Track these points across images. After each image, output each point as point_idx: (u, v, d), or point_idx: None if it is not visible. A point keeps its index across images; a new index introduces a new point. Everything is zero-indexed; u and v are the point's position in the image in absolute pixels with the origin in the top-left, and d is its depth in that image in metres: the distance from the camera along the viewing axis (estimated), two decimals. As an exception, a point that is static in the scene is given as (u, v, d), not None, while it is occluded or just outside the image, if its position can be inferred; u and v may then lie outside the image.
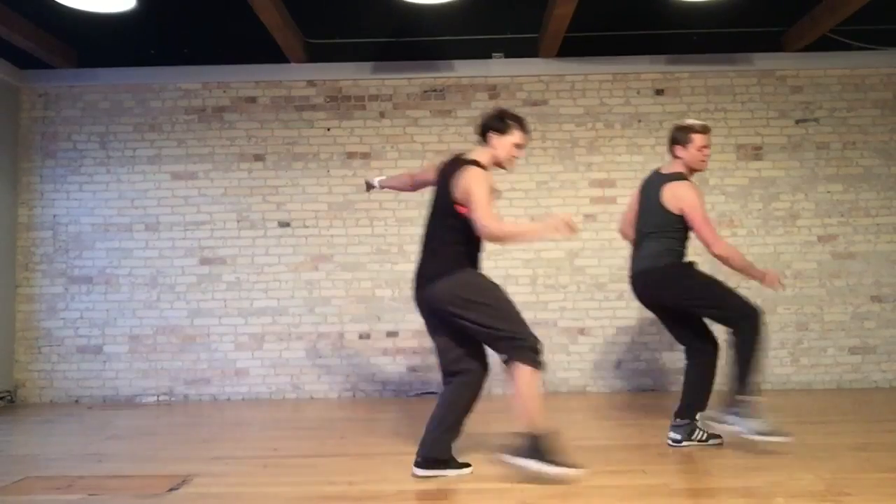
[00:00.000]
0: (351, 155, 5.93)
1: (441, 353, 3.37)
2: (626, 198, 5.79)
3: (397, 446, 3.87)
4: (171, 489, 3.06)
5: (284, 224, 5.89)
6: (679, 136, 3.74)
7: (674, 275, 3.71)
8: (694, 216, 3.59)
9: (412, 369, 5.78)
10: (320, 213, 5.88)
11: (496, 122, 3.32)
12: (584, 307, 5.82)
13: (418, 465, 3.22)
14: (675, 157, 3.76)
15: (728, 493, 2.85)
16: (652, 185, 3.79)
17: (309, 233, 5.88)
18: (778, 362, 5.73)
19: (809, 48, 5.75)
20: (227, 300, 5.84)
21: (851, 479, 3.01)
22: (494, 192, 3.25)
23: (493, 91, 5.96)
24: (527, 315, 5.75)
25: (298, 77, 5.94)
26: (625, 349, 5.80)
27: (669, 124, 5.86)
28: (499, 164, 3.37)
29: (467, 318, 3.20)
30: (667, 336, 5.68)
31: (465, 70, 5.93)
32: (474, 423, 4.42)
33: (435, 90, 5.97)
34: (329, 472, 3.34)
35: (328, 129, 5.94)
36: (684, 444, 3.68)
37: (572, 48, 5.73)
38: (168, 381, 5.80)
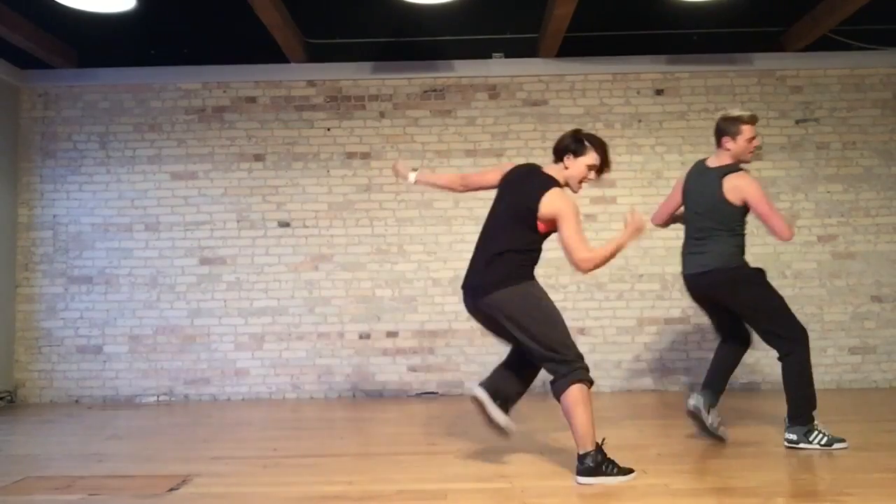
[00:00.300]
0: (351, 155, 5.93)
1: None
2: (626, 198, 5.83)
3: (397, 446, 3.87)
4: (171, 489, 3.06)
5: (284, 224, 5.89)
6: (728, 128, 3.69)
7: (744, 279, 3.67)
8: (760, 206, 3.58)
9: (412, 369, 5.78)
10: (320, 213, 5.88)
11: (573, 143, 3.27)
12: (584, 307, 5.82)
13: None
14: (724, 149, 3.71)
15: (728, 493, 2.85)
16: (705, 179, 3.74)
17: (309, 233, 5.88)
18: (778, 362, 5.72)
19: (809, 48, 5.75)
20: (227, 300, 5.84)
21: (851, 479, 3.01)
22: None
23: (493, 91, 5.96)
24: (527, 315, 5.76)
25: (298, 77, 5.94)
26: (625, 349, 5.80)
27: (669, 124, 5.93)
28: (567, 184, 3.29)
29: (522, 329, 3.14)
30: (667, 336, 5.74)
31: (465, 70, 5.93)
32: (472, 424, 4.43)
33: (435, 90, 5.97)
34: (329, 472, 3.34)
35: (328, 129, 5.94)
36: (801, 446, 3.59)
37: (572, 48, 5.72)
38: (168, 381, 5.80)
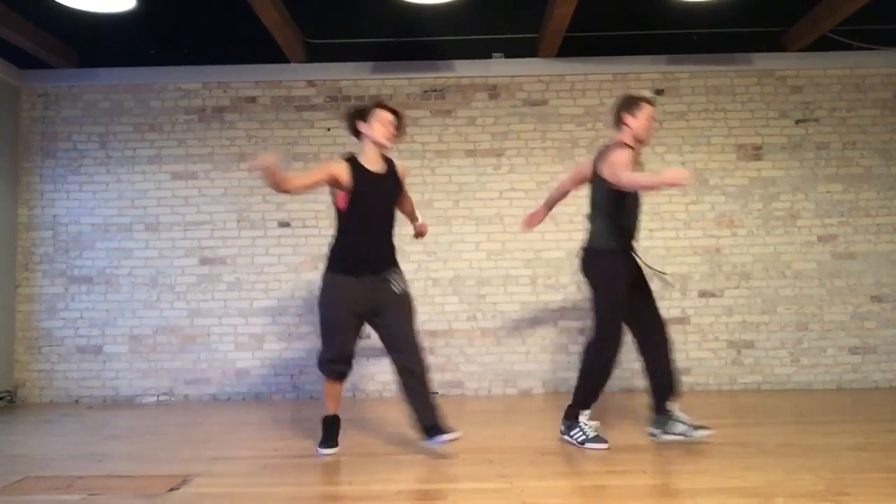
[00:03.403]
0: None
1: None
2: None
3: (397, 446, 3.87)
4: (171, 489, 3.06)
5: (284, 224, 5.89)
6: (627, 105, 3.69)
7: (594, 260, 3.74)
8: (610, 175, 3.50)
9: (412, 369, 5.77)
10: (320, 213, 5.88)
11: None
12: (584, 307, 5.81)
13: None
14: (624, 125, 3.69)
15: (728, 493, 2.85)
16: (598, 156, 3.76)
17: (309, 233, 5.88)
18: (778, 362, 5.74)
19: (809, 48, 5.76)
20: (227, 300, 5.84)
21: (851, 479, 3.01)
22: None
23: (493, 91, 5.96)
24: (526, 315, 5.78)
25: (298, 77, 5.94)
26: (624, 349, 5.77)
27: (669, 124, 5.94)
28: (378, 146, 3.65)
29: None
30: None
31: (465, 70, 5.93)
32: (472, 424, 4.42)
33: (435, 90, 5.97)
34: (329, 472, 3.34)
35: (328, 129, 5.94)
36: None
37: (572, 48, 5.73)
38: (168, 381, 5.80)
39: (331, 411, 3.79)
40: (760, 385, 5.70)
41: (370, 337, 5.80)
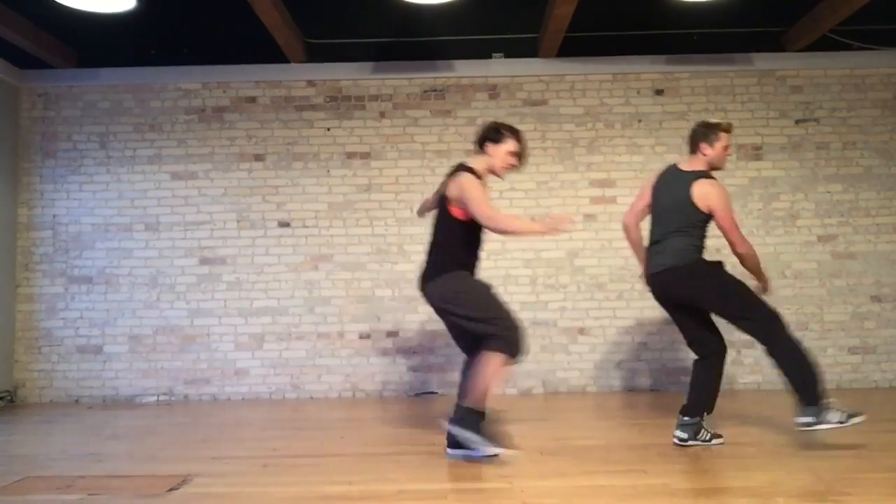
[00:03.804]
0: (351, 155, 5.93)
1: None
2: (626, 198, 5.82)
3: (397, 446, 3.87)
4: (171, 489, 3.06)
5: (284, 224, 5.89)
6: (706, 134, 3.72)
7: (700, 272, 3.69)
8: (725, 219, 3.63)
9: (412, 369, 5.78)
10: (320, 213, 5.89)
11: (492, 133, 3.61)
12: (584, 307, 5.82)
13: None
14: (700, 154, 3.74)
15: (728, 493, 2.85)
16: (676, 181, 3.75)
17: (309, 233, 5.88)
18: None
19: (809, 48, 5.75)
20: (227, 300, 5.84)
21: (851, 479, 3.01)
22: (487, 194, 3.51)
23: (493, 91, 5.96)
24: (527, 315, 5.78)
25: (298, 77, 5.94)
26: (625, 349, 5.80)
27: (669, 124, 5.94)
28: (493, 172, 3.63)
29: (458, 313, 3.51)
30: (667, 336, 5.73)
31: (465, 70, 5.93)
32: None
33: (435, 90, 5.97)
34: (329, 472, 3.34)
35: (328, 129, 5.94)
36: (689, 443, 3.68)
37: (572, 48, 5.73)
38: (168, 381, 5.80)
39: (486, 402, 3.43)
40: (760, 385, 5.70)
41: (369, 337, 5.82)
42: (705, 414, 3.74)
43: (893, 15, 5.49)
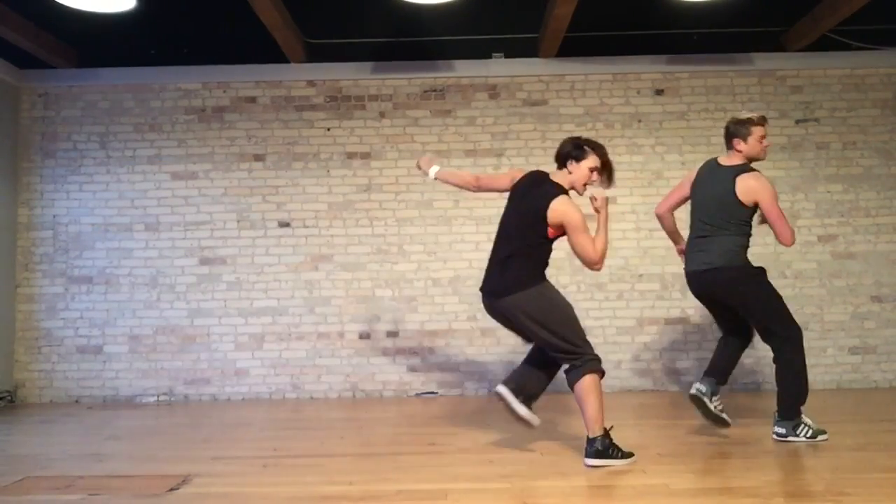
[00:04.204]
0: (351, 155, 5.93)
1: None
2: (626, 198, 5.83)
3: (397, 446, 3.87)
4: (171, 489, 3.06)
5: (284, 224, 5.89)
6: (738, 130, 3.79)
7: (745, 278, 3.75)
8: (772, 210, 3.68)
9: (412, 369, 5.78)
10: (320, 213, 5.88)
11: (574, 150, 3.51)
12: (584, 307, 5.80)
13: None
14: (735, 150, 3.80)
15: (728, 493, 2.85)
16: (717, 176, 3.80)
17: (309, 233, 5.88)
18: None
19: (809, 48, 5.75)
20: (227, 300, 5.84)
21: (851, 479, 3.01)
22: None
23: (493, 91, 5.95)
24: (527, 315, 5.74)
25: (298, 77, 5.94)
26: (625, 349, 5.80)
27: (669, 124, 5.94)
28: (574, 188, 3.53)
29: (541, 327, 3.43)
30: (667, 336, 5.74)
31: (465, 70, 5.93)
32: (472, 424, 4.43)
33: (435, 90, 5.97)
34: (329, 472, 3.34)
35: (328, 129, 5.94)
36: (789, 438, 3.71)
37: (572, 48, 5.72)
38: (168, 381, 5.80)
39: (603, 421, 3.38)
40: (760, 385, 5.70)
41: (369, 337, 5.82)
42: (719, 388, 3.86)
43: (893, 15, 5.49)
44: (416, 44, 5.88)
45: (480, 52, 5.92)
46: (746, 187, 3.68)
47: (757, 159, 3.80)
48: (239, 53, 5.88)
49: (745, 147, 3.76)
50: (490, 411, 4.98)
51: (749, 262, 3.78)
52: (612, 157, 5.99)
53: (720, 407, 3.82)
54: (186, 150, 5.95)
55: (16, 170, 5.93)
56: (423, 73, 5.93)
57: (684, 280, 5.78)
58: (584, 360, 3.37)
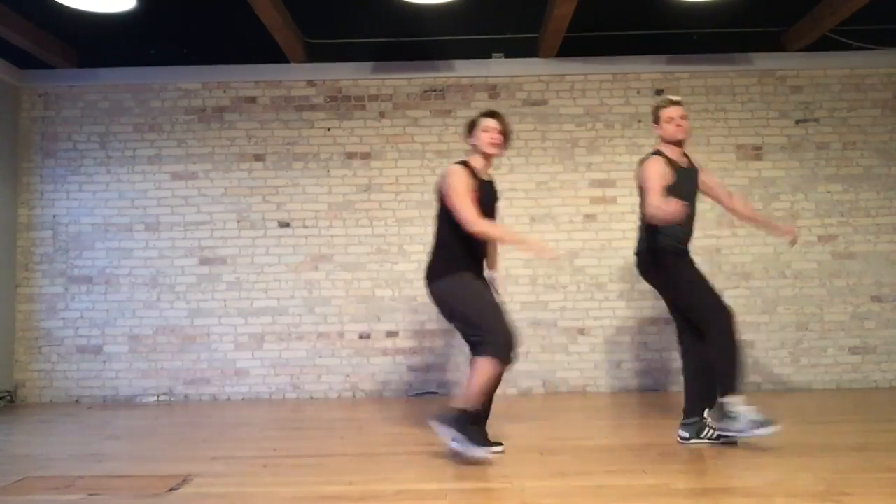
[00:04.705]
0: (351, 155, 5.93)
1: None
2: (626, 198, 5.83)
3: (397, 446, 3.87)
4: (171, 489, 3.06)
5: (284, 224, 5.89)
6: (652, 115, 3.91)
7: (654, 261, 3.79)
8: (646, 191, 3.67)
9: (412, 369, 5.78)
10: (320, 213, 5.89)
11: (467, 128, 3.72)
12: (584, 307, 5.82)
13: None
14: (658, 135, 3.89)
15: (728, 493, 2.85)
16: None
17: (309, 233, 5.88)
18: (778, 362, 5.74)
19: (809, 48, 5.76)
20: (227, 300, 5.84)
21: (851, 479, 3.01)
22: (476, 191, 3.52)
23: (493, 91, 5.96)
24: (527, 315, 5.78)
25: (298, 77, 5.94)
26: (625, 349, 5.80)
27: (669, 124, 5.91)
28: (485, 155, 3.65)
29: (454, 316, 3.59)
30: (667, 336, 5.74)
31: (465, 70, 5.93)
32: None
33: (435, 90, 5.97)
34: (329, 472, 3.34)
35: (328, 129, 5.94)
36: (693, 441, 3.69)
37: (572, 48, 5.73)
38: (168, 381, 5.80)
39: (479, 404, 3.45)
40: (760, 385, 5.70)
41: (369, 337, 5.82)
42: (706, 412, 3.73)
43: (893, 15, 5.49)
44: (416, 44, 5.88)
45: (480, 52, 5.92)
46: (637, 173, 3.79)
47: (675, 140, 3.80)
48: (239, 53, 5.88)
49: (661, 131, 3.83)
50: (490, 411, 4.97)
51: (667, 246, 3.71)
52: (613, 157, 6.06)
53: (713, 434, 3.69)
54: (186, 150, 5.95)
55: (16, 170, 5.93)
56: (423, 73, 5.94)
57: (684, 280, 5.81)
58: (486, 340, 3.39)
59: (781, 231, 4.00)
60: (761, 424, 3.49)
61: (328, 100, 5.96)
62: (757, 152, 5.88)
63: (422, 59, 5.93)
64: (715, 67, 5.92)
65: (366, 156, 5.93)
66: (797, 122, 5.91)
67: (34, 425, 4.86)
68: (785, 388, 5.70)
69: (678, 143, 3.81)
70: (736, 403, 3.53)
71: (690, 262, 3.78)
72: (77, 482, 3.21)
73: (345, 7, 5.51)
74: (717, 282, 5.76)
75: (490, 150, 3.63)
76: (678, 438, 3.74)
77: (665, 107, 3.81)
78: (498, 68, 5.94)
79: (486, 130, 3.62)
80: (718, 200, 4.03)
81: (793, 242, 4.00)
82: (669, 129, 3.78)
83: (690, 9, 5.28)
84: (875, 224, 5.83)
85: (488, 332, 3.40)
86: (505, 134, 3.66)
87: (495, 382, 3.46)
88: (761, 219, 4.07)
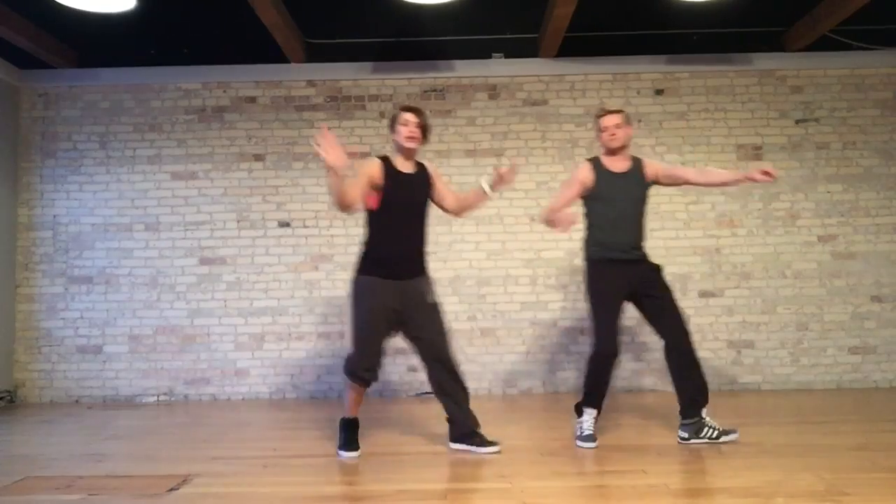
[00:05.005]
0: (351, 155, 5.89)
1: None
2: (626, 198, 5.83)
3: (397, 446, 3.87)
4: (171, 489, 3.06)
5: (284, 224, 5.89)
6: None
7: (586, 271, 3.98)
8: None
9: (412, 369, 5.77)
10: (320, 213, 5.89)
11: (390, 125, 3.77)
12: (585, 307, 5.80)
13: None
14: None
15: (728, 493, 2.85)
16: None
17: (309, 233, 5.88)
18: (778, 362, 5.74)
19: (809, 48, 5.76)
20: (227, 300, 5.84)
21: (851, 479, 3.01)
22: (370, 179, 3.59)
23: (493, 91, 5.96)
24: (527, 315, 5.78)
25: (298, 77, 5.94)
26: (625, 349, 5.78)
27: (669, 124, 5.94)
28: (402, 149, 3.68)
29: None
30: (667, 336, 5.72)
31: (465, 70, 5.93)
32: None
33: (435, 90, 5.97)
34: (329, 472, 3.34)
35: (328, 130, 5.93)
36: (692, 441, 3.71)
37: (572, 48, 5.73)
38: (168, 381, 5.80)
39: (352, 414, 3.73)
40: (760, 385, 5.70)
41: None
42: (704, 410, 3.75)
43: (893, 15, 5.49)
44: (416, 44, 5.88)
45: (480, 52, 5.92)
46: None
47: (610, 148, 3.87)
48: (239, 53, 5.88)
49: (598, 139, 3.93)
50: (489, 411, 4.98)
51: (591, 256, 3.93)
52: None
53: (713, 434, 3.72)
54: (186, 150, 5.95)
55: (16, 170, 5.93)
56: (423, 73, 5.94)
57: (684, 280, 5.82)
58: (346, 358, 3.61)
59: (758, 176, 3.67)
60: (585, 439, 3.73)
61: (328, 100, 5.96)
62: (757, 152, 5.88)
63: (422, 59, 5.93)
64: (715, 67, 5.92)
65: (366, 156, 5.92)
66: (797, 122, 5.91)
67: (34, 425, 4.86)
68: (785, 388, 5.70)
69: (613, 152, 3.87)
70: (586, 421, 3.80)
71: (617, 275, 3.82)
72: (77, 482, 3.21)
73: (345, 7, 5.51)
74: (718, 282, 5.78)
75: (407, 144, 3.64)
76: (678, 439, 3.75)
77: (600, 116, 3.90)
78: (498, 68, 5.94)
79: (403, 124, 3.64)
80: (687, 181, 4.01)
81: (771, 177, 3.69)
82: (604, 138, 3.87)
83: (690, 9, 5.28)
84: (875, 224, 5.83)
85: (349, 352, 3.61)
86: (423, 128, 3.68)
87: (356, 397, 3.68)
88: (739, 175, 3.84)
